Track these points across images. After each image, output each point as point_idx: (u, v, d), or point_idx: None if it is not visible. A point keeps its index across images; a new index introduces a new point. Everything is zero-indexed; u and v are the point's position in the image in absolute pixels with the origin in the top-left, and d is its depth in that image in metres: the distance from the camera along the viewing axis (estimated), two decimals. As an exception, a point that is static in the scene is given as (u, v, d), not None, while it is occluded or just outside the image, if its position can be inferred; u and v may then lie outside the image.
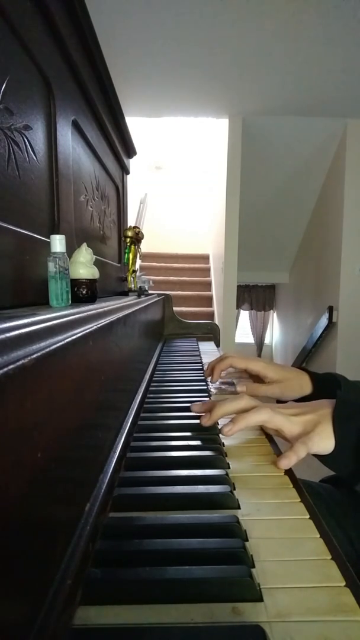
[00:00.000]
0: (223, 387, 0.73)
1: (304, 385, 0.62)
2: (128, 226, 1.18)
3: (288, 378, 0.61)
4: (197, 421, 0.55)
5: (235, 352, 0.69)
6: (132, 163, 1.33)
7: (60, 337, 0.27)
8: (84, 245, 0.61)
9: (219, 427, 0.50)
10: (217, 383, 0.74)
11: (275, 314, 5.69)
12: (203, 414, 0.53)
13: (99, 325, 0.38)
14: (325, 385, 0.61)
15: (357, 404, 0.46)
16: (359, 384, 0.60)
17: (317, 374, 0.63)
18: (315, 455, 0.45)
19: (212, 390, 0.72)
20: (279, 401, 0.66)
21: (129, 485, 0.39)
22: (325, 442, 0.44)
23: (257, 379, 0.65)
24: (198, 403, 0.56)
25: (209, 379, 0.71)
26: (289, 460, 0.43)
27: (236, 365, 0.65)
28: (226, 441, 0.51)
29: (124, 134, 1.13)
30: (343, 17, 1.80)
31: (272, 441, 0.52)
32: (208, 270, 4.29)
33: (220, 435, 0.50)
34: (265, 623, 0.24)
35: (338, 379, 0.61)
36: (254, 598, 0.26)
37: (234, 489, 0.39)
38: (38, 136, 0.55)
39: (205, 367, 0.93)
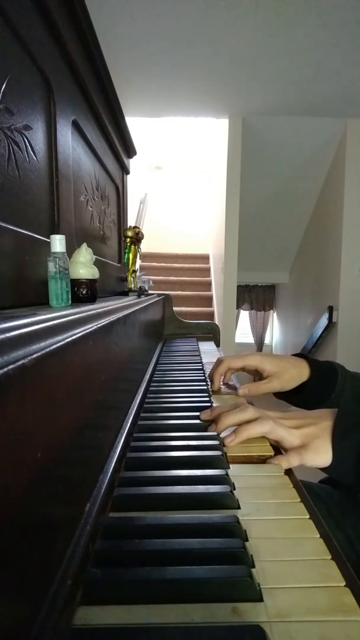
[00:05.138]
0: (227, 391, 0.72)
1: (302, 372, 0.62)
2: (128, 226, 1.18)
3: (285, 368, 0.62)
4: (197, 421, 0.55)
5: (230, 353, 0.69)
6: (132, 163, 1.33)
7: (60, 337, 0.27)
8: (84, 245, 0.61)
9: (222, 436, 0.50)
10: (223, 387, 0.74)
11: (275, 314, 5.69)
12: (210, 419, 0.53)
13: (99, 325, 0.38)
14: (323, 373, 0.61)
15: (358, 415, 0.46)
16: (357, 375, 0.61)
17: (315, 360, 0.63)
18: (321, 468, 0.46)
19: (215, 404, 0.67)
20: (278, 393, 0.66)
21: (129, 485, 0.39)
22: (321, 456, 0.45)
23: (257, 373, 0.65)
24: (206, 411, 0.55)
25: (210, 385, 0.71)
26: (240, 436, 0.47)
27: (233, 366, 0.65)
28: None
29: (124, 134, 1.13)
30: (343, 17, 1.81)
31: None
32: (208, 270, 4.29)
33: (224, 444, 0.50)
34: (265, 623, 0.24)
35: (336, 367, 0.61)
36: (254, 598, 0.26)
37: (234, 489, 0.39)
38: (38, 136, 0.55)
39: (205, 367, 0.93)
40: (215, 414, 0.53)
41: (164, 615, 0.25)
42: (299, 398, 0.63)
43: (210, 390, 0.70)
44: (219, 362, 0.66)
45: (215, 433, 0.51)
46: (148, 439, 0.50)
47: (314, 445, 0.45)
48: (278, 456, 0.46)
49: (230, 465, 0.44)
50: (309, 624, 0.24)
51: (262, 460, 0.46)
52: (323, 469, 0.46)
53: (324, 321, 3.15)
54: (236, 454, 0.46)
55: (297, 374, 0.62)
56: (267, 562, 0.29)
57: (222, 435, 0.50)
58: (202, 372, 0.88)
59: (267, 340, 5.90)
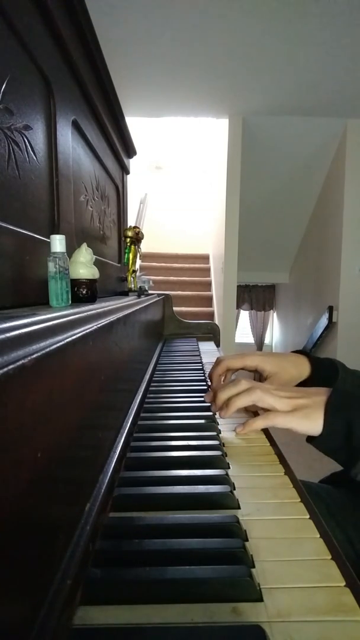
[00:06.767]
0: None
1: (302, 370, 0.62)
2: (128, 226, 1.18)
3: (285, 368, 0.62)
4: (198, 421, 0.56)
5: (230, 354, 0.69)
6: (132, 163, 1.33)
7: (60, 337, 0.27)
8: (84, 245, 0.61)
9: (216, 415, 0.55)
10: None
11: (275, 314, 5.69)
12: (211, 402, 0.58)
13: (99, 325, 0.38)
14: (324, 370, 0.61)
15: (352, 396, 0.47)
16: (357, 373, 0.61)
17: (316, 357, 0.63)
18: (308, 441, 0.47)
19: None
20: None
21: (129, 485, 0.39)
22: (310, 422, 0.45)
23: (257, 371, 0.65)
24: (209, 392, 0.60)
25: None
26: (249, 427, 0.50)
27: (232, 366, 0.65)
28: (226, 441, 0.51)
29: (124, 134, 1.13)
30: (343, 17, 1.80)
31: (272, 441, 0.52)
32: (208, 270, 4.29)
33: (218, 419, 0.55)
34: (265, 623, 0.24)
35: (336, 364, 0.61)
36: (254, 598, 0.26)
37: (234, 489, 0.39)
38: (38, 136, 0.55)
39: (205, 367, 0.93)
40: (214, 392, 0.57)
41: (164, 615, 0.25)
42: None
43: (210, 388, 0.70)
44: (218, 362, 0.66)
45: (215, 433, 0.52)
46: (148, 439, 0.50)
47: (305, 412, 0.46)
48: (258, 417, 0.50)
49: (230, 464, 0.44)
50: (309, 624, 0.24)
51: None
52: (312, 442, 0.47)
53: (324, 321, 3.15)
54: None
55: (297, 373, 0.62)
56: (267, 562, 0.29)
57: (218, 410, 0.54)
58: (202, 372, 0.88)
59: (267, 340, 5.90)
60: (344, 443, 0.44)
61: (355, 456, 0.43)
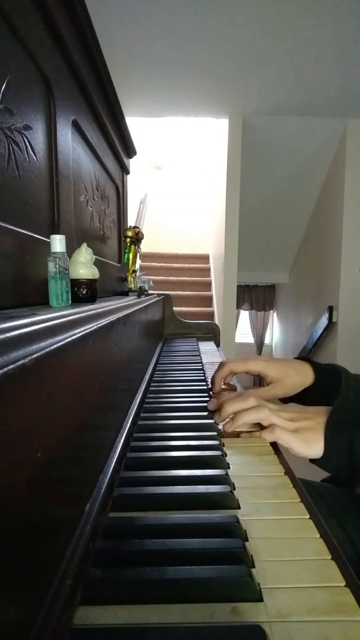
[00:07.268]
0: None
1: (306, 378, 0.62)
2: (128, 226, 1.18)
3: (288, 374, 0.62)
4: (198, 421, 0.55)
5: (233, 356, 0.69)
6: (132, 163, 1.33)
7: (60, 337, 0.27)
8: (84, 245, 0.61)
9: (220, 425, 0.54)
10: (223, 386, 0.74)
11: (275, 314, 5.69)
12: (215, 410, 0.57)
13: (99, 325, 0.37)
14: (327, 376, 0.61)
15: (353, 413, 0.48)
16: (359, 377, 0.61)
17: (319, 364, 0.63)
18: (311, 461, 0.48)
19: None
20: (283, 400, 0.66)
21: (129, 485, 0.39)
22: (310, 447, 0.46)
23: (260, 377, 0.66)
24: (212, 400, 0.59)
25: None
26: (255, 436, 0.51)
27: (235, 370, 0.65)
28: (226, 441, 0.51)
29: (124, 134, 1.13)
30: (343, 17, 1.80)
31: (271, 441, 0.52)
32: (208, 270, 4.29)
33: (221, 429, 0.54)
34: (265, 623, 0.24)
35: (339, 370, 0.61)
36: (254, 598, 0.26)
37: (234, 489, 0.39)
38: (38, 136, 0.55)
39: (205, 367, 0.93)
40: (220, 402, 0.56)
41: (164, 615, 0.25)
42: (303, 402, 0.63)
43: (212, 392, 0.70)
44: (221, 365, 0.66)
45: (215, 433, 0.52)
46: (148, 439, 0.50)
47: (305, 436, 0.47)
48: (264, 430, 0.50)
49: (230, 464, 0.44)
50: (309, 624, 0.24)
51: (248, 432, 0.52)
52: (314, 462, 0.47)
53: (324, 321, 3.15)
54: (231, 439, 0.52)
55: (300, 380, 0.62)
56: (267, 562, 0.29)
57: (223, 421, 0.54)
58: (202, 372, 0.88)
59: (267, 340, 5.90)
60: (347, 461, 0.45)
61: (358, 474, 0.44)
